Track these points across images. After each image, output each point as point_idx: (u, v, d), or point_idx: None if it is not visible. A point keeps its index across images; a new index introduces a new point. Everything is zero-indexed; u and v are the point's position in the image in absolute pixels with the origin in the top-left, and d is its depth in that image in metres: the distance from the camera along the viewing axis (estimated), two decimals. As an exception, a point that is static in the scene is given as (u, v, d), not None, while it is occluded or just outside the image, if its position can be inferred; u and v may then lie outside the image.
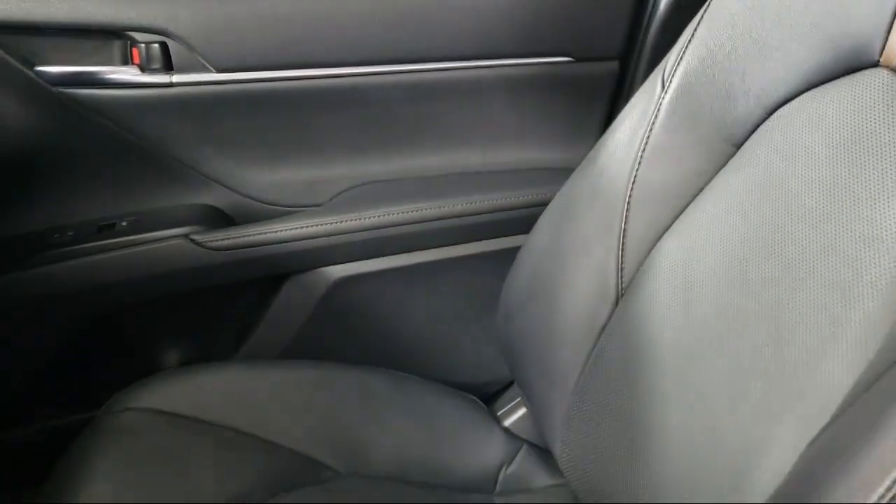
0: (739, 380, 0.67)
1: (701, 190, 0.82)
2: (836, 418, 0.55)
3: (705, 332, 0.72)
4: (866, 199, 0.63)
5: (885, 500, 0.45)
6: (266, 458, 0.85)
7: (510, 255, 0.97)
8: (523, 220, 1.00)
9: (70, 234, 0.98)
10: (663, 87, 0.87)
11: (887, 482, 0.46)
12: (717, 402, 0.69)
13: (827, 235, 0.64)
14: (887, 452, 0.47)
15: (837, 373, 0.58)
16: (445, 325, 1.13)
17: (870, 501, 0.46)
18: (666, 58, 0.88)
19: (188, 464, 0.81)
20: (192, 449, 0.83)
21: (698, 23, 0.85)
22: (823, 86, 0.72)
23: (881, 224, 0.61)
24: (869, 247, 0.61)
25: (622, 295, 0.83)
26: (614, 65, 1.11)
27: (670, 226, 0.83)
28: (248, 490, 0.80)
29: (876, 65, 0.67)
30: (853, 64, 0.69)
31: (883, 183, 0.62)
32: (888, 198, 0.61)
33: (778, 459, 0.61)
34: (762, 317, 0.67)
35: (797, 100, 0.74)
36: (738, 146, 0.79)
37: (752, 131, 0.78)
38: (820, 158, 0.68)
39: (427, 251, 1.09)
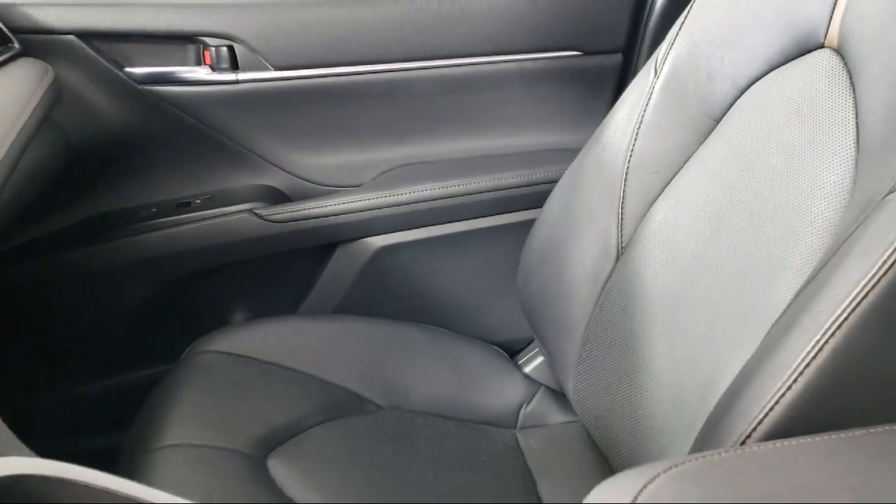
0: (712, 315, 0.78)
1: (687, 160, 0.92)
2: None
3: (687, 279, 0.83)
4: (812, 160, 0.74)
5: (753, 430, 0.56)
6: (319, 392, 0.98)
7: (528, 226, 1.07)
8: (539, 196, 1.10)
9: (154, 210, 1.13)
10: (656, 73, 0.98)
11: (759, 413, 0.57)
12: (695, 334, 0.80)
13: (783, 191, 0.75)
14: (767, 379, 0.59)
15: (786, 300, 0.69)
16: (472, 286, 1.24)
17: (747, 429, 0.57)
18: (659, 48, 0.99)
19: (254, 393, 0.95)
20: (258, 383, 0.97)
21: (686, 16, 0.96)
22: (784, 66, 0.83)
23: (823, 180, 0.72)
24: (814, 197, 0.72)
25: (622, 253, 0.94)
26: (618, 57, 1.21)
27: (661, 192, 0.93)
28: (304, 415, 0.93)
29: (822, 46, 0.79)
30: (805, 46, 0.80)
31: (826, 146, 0.73)
32: (830, 158, 0.72)
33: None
34: (730, 261, 0.78)
35: (763, 79, 0.85)
36: (718, 121, 0.89)
37: (729, 108, 0.88)
38: (779, 128, 0.79)
39: (455, 223, 1.20)
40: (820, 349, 0.56)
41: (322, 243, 1.20)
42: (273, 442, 0.88)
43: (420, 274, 1.22)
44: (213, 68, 1.11)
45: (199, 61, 1.11)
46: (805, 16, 0.80)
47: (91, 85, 1.07)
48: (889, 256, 0.55)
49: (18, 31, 1.01)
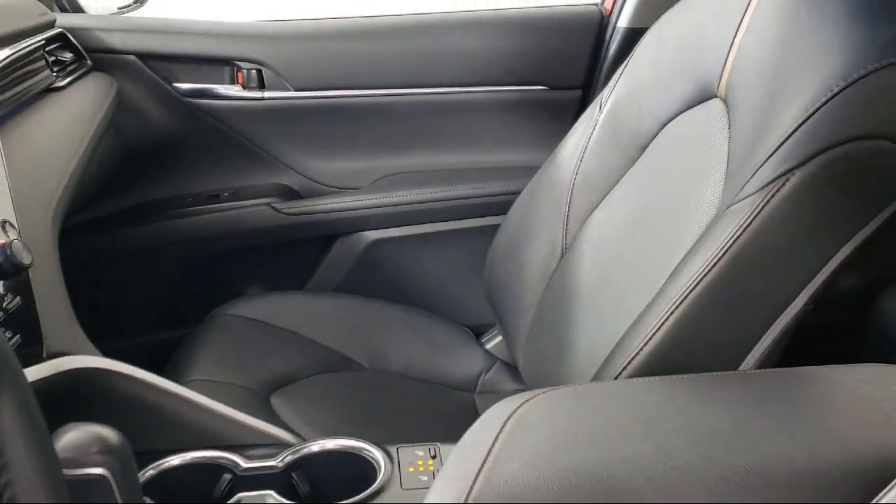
0: (622, 298, 0.94)
1: (619, 180, 1.10)
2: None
3: (606, 272, 1.01)
4: (697, 183, 0.92)
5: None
6: (315, 352, 1.17)
7: (494, 229, 1.24)
8: (504, 204, 1.26)
9: (189, 199, 1.33)
10: (600, 108, 1.16)
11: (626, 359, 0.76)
12: (608, 314, 0.97)
13: (677, 206, 0.92)
14: (634, 335, 0.77)
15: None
16: (447, 277, 1.40)
17: (619, 370, 0.75)
18: (604, 89, 1.18)
19: (263, 348, 1.14)
20: (266, 340, 1.16)
21: (626, 65, 1.15)
22: (690, 110, 1.00)
23: (702, 198, 0.90)
24: (696, 211, 0.90)
25: (565, 252, 1.11)
26: (577, 93, 1.38)
27: (598, 205, 1.10)
28: (301, 367, 1.12)
29: (715, 96, 0.97)
30: (704, 96, 0.97)
31: (707, 173, 0.91)
32: (708, 182, 0.89)
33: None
34: (639, 257, 0.95)
35: (677, 118, 1.03)
36: (643, 150, 1.07)
37: (651, 140, 1.05)
38: (680, 159, 0.97)
39: (436, 223, 1.38)
40: (669, 315, 0.75)
41: (325, 234, 1.38)
42: (276, 385, 1.07)
43: (405, 264, 1.39)
44: (244, 87, 1.31)
45: (233, 80, 1.32)
46: (705, 72, 0.98)
47: (146, 96, 1.27)
48: (717, 253, 0.74)
49: (91, 50, 1.22)
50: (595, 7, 1.38)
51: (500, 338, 1.31)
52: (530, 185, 1.21)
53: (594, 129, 1.14)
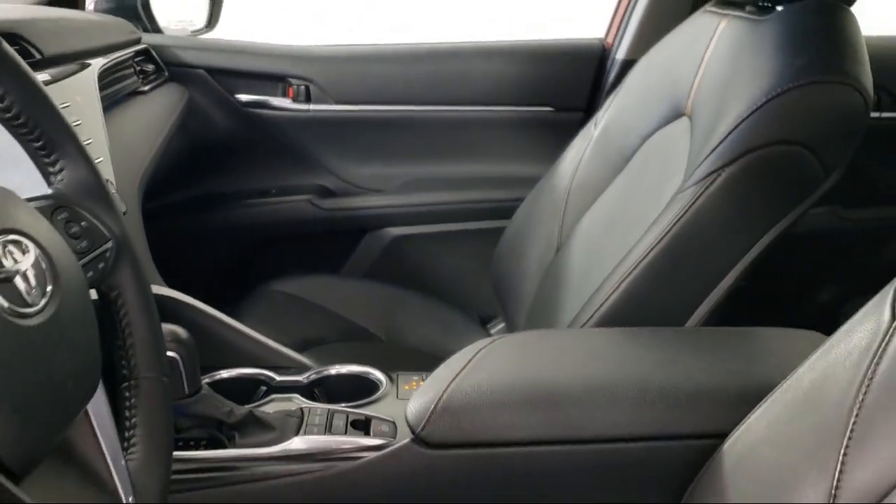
0: (606, 258, 1.02)
1: (608, 186, 1.25)
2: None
3: (594, 255, 1.10)
4: (663, 185, 1.07)
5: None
6: (341, 324, 1.34)
7: (501, 231, 1.39)
8: (512, 210, 1.40)
9: (243, 193, 1.53)
10: (595, 126, 1.31)
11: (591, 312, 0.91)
12: (595, 284, 1.06)
13: (647, 202, 1.04)
14: (598, 295, 0.93)
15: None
16: (459, 270, 1.56)
17: (585, 319, 0.90)
18: (600, 109, 1.34)
19: (298, 319, 1.31)
20: (301, 313, 1.34)
21: (618, 89, 1.31)
22: (665, 126, 1.16)
23: (664, 195, 1.02)
24: (658, 203, 1.01)
25: (560, 248, 1.27)
26: (580, 114, 1.53)
27: (589, 207, 1.25)
28: (328, 334, 1.29)
29: (683, 115, 1.13)
30: (675, 114, 1.13)
31: (671, 177, 1.06)
32: (670, 182, 1.02)
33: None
34: (617, 239, 1.03)
35: (655, 134, 1.18)
36: (627, 161, 1.23)
37: (635, 153, 1.21)
38: (653, 167, 1.13)
39: (451, 224, 1.55)
40: (623, 280, 0.91)
41: (356, 228, 1.56)
42: (305, 346, 1.25)
43: (423, 258, 1.56)
44: (294, 100, 1.50)
45: (284, 94, 1.51)
46: (677, 95, 1.13)
47: (211, 104, 1.47)
48: (663, 232, 0.90)
49: (168, 64, 1.42)
50: (598, 41, 1.55)
51: (502, 324, 1.46)
52: (534, 190, 1.37)
53: (589, 143, 1.29)
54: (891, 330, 0.59)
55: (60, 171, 0.53)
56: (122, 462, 0.48)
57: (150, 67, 1.34)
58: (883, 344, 0.58)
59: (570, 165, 1.30)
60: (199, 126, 1.46)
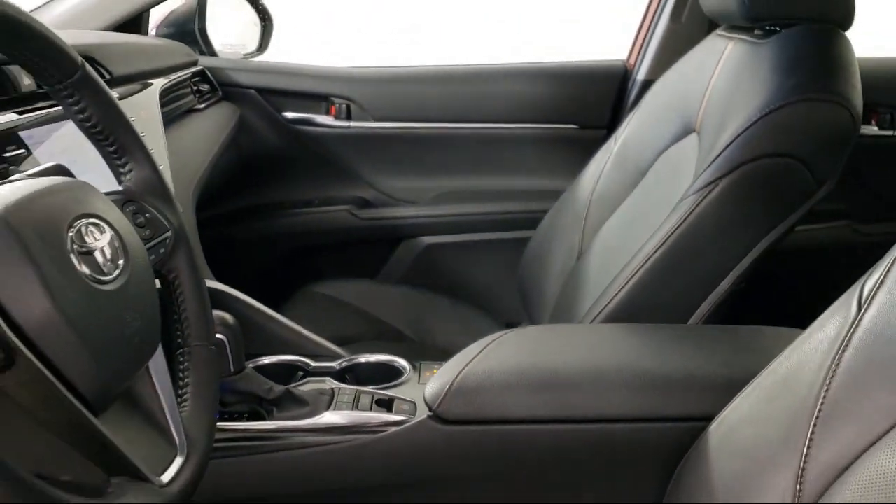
0: (618, 262, 1.08)
1: (625, 198, 1.31)
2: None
3: (611, 262, 1.16)
4: (672, 195, 1.12)
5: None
6: (375, 325, 1.43)
7: (527, 240, 1.47)
8: (538, 221, 1.47)
9: (288, 203, 1.63)
10: (615, 142, 1.39)
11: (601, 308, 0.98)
12: (609, 272, 1.09)
13: (660, 210, 1.09)
14: (609, 291, 1.00)
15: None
16: (486, 277, 1.63)
17: (595, 315, 0.98)
18: (620, 126, 1.41)
19: (336, 319, 1.41)
20: (339, 314, 1.44)
21: (637, 108, 1.38)
22: (677, 142, 1.22)
23: (671, 204, 1.10)
24: (667, 211, 1.10)
25: (580, 255, 1.34)
26: (603, 132, 1.59)
27: (608, 218, 1.32)
28: (363, 332, 1.39)
29: (693, 132, 1.19)
30: (687, 131, 1.20)
31: (678, 188, 1.12)
32: (678, 193, 1.08)
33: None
34: (630, 245, 1.11)
35: (668, 149, 1.25)
36: (643, 175, 1.30)
37: (649, 167, 1.28)
38: (666, 179, 1.20)
39: (480, 233, 1.63)
40: (628, 281, 0.98)
41: (391, 237, 1.65)
42: (342, 342, 1.33)
43: (453, 265, 1.64)
44: (336, 117, 1.61)
45: (327, 112, 1.61)
46: (688, 114, 1.19)
47: (261, 121, 1.58)
48: (665, 237, 0.97)
49: (222, 84, 1.54)
50: (620, 62, 1.63)
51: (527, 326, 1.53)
52: (557, 202, 1.44)
53: (609, 158, 1.36)
54: (856, 322, 0.65)
55: (129, 171, 0.63)
56: (177, 413, 0.57)
57: (206, 87, 1.46)
58: (848, 334, 0.64)
59: (592, 179, 1.37)
60: (249, 141, 1.57)
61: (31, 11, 1.34)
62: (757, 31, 1.11)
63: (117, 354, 0.50)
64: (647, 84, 1.53)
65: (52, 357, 0.45)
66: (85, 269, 0.49)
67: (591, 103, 1.62)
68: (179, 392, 0.59)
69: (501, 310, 1.61)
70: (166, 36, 1.59)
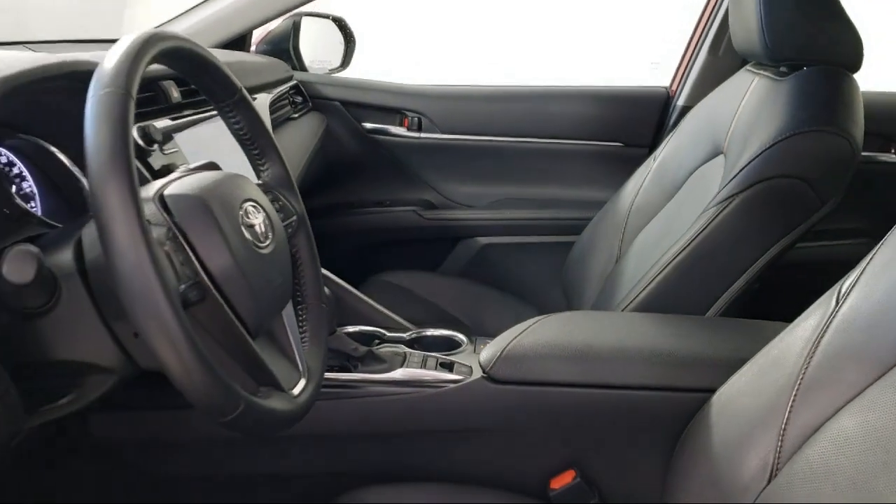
0: (651, 258, 1.22)
1: (659, 211, 1.42)
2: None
3: (645, 266, 1.34)
4: (702, 203, 1.27)
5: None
6: (436, 311, 1.58)
7: (572, 244, 1.61)
8: (580, 226, 1.62)
9: (364, 202, 1.81)
10: (654, 160, 1.52)
11: (630, 297, 1.13)
12: (645, 265, 1.25)
13: (689, 217, 1.23)
14: (637, 284, 1.14)
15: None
16: (535, 275, 1.78)
17: (625, 303, 1.13)
18: (659, 146, 1.55)
19: (402, 305, 1.57)
20: (404, 299, 1.60)
21: (674, 131, 1.51)
22: (708, 162, 1.34)
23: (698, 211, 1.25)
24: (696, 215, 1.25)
25: (618, 259, 1.47)
26: (646, 150, 1.73)
27: (644, 227, 1.44)
28: (425, 318, 1.55)
29: (721, 153, 1.32)
30: (716, 153, 1.32)
31: (706, 202, 1.27)
32: (706, 202, 1.25)
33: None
34: (662, 245, 1.25)
35: (699, 169, 1.36)
36: (677, 190, 1.42)
37: (683, 184, 1.40)
38: (696, 196, 1.32)
39: (530, 236, 1.79)
40: (655, 277, 1.13)
41: (451, 236, 1.82)
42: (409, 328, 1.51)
43: (505, 263, 1.80)
44: (408, 129, 1.79)
45: (401, 124, 1.80)
46: (718, 137, 1.32)
47: (343, 130, 1.77)
48: (688, 241, 1.12)
49: (312, 96, 1.73)
50: (663, 89, 1.77)
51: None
52: (600, 211, 1.58)
53: (648, 174, 1.50)
54: (833, 314, 0.79)
55: (267, 169, 0.81)
56: (301, 348, 0.75)
57: (299, 99, 1.65)
58: (827, 323, 0.78)
59: (632, 192, 1.51)
60: (333, 147, 1.76)
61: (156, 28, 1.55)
62: (781, 69, 1.25)
63: (268, 300, 0.68)
64: (685, 109, 1.66)
65: (230, 296, 0.63)
66: (249, 237, 0.67)
67: (635, 124, 1.76)
68: (301, 334, 0.77)
69: (547, 305, 1.74)
70: (265, 52, 1.79)
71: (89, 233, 0.62)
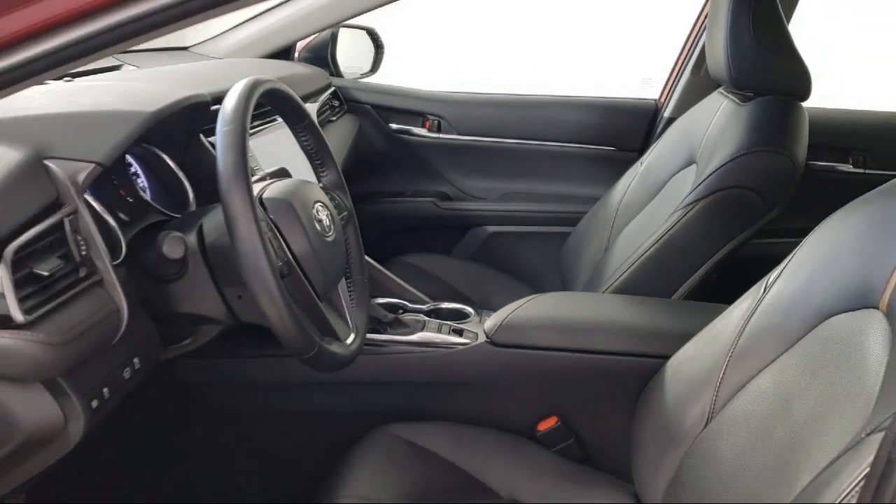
0: (631, 250, 1.42)
1: (643, 208, 1.61)
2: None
3: (628, 253, 1.54)
4: (675, 205, 1.50)
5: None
6: (448, 290, 1.78)
7: (568, 234, 1.80)
8: (576, 219, 1.81)
9: (387, 193, 2.02)
10: (641, 164, 1.71)
11: (611, 281, 1.36)
12: (626, 255, 1.51)
13: (664, 216, 1.49)
14: (625, 264, 1.37)
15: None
16: (535, 260, 1.97)
17: (605, 287, 1.36)
18: (646, 151, 1.75)
19: (419, 282, 1.80)
20: (422, 278, 1.81)
21: (659, 139, 1.71)
22: (684, 170, 1.57)
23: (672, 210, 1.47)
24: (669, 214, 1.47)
25: (606, 248, 1.65)
26: (635, 154, 1.89)
27: (629, 222, 1.61)
28: (439, 295, 1.77)
29: (694, 163, 1.53)
30: (691, 162, 1.52)
31: (678, 202, 1.49)
32: (677, 204, 1.48)
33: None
34: (641, 238, 1.50)
35: (676, 175, 1.59)
36: (658, 192, 1.59)
37: (663, 187, 1.56)
38: (672, 197, 1.55)
39: (532, 226, 1.97)
40: (633, 264, 1.34)
41: (463, 224, 2.01)
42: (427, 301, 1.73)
43: (510, 249, 1.99)
44: (429, 130, 1.99)
45: (422, 125, 1.99)
46: (692, 148, 1.50)
47: (373, 130, 1.97)
48: (659, 236, 1.33)
49: (347, 100, 1.93)
50: (652, 101, 1.96)
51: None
52: (593, 207, 1.77)
53: (635, 176, 1.68)
54: (760, 299, 0.98)
55: (326, 174, 1.03)
56: (352, 310, 0.98)
57: (336, 103, 1.86)
58: (755, 306, 0.98)
59: (621, 191, 1.70)
60: (364, 145, 1.95)
61: (207, 41, 1.74)
62: (746, 94, 1.45)
63: (331, 275, 0.90)
64: (670, 120, 1.84)
65: (307, 272, 0.85)
66: (319, 229, 0.89)
67: (626, 131, 1.95)
68: (350, 300, 0.99)
69: (544, 286, 1.92)
70: (306, 59, 1.98)
71: (208, 222, 0.84)
